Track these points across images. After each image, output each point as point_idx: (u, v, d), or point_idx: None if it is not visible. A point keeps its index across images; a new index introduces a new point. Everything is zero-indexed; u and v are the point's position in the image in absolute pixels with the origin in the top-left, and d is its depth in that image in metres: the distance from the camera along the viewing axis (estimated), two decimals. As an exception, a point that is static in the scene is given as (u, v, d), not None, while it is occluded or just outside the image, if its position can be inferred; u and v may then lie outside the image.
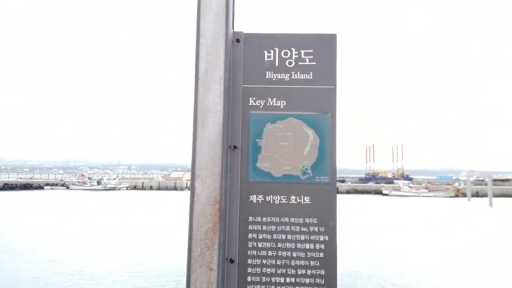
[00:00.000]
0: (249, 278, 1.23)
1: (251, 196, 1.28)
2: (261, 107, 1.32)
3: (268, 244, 1.25)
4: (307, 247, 1.25)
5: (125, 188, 66.84)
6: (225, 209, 1.25)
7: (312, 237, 1.25)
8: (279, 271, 1.24)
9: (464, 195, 58.03)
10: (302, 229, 1.26)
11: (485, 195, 51.62)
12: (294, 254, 1.24)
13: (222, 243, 1.22)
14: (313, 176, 1.29)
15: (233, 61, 1.31)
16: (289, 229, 1.26)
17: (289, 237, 1.25)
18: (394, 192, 63.91)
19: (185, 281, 1.18)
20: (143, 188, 68.54)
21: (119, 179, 76.64)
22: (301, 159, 1.29)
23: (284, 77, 1.32)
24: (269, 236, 1.26)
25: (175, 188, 66.07)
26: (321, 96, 1.31)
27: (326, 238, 1.25)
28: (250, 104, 1.32)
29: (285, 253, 1.24)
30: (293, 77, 1.32)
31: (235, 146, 1.30)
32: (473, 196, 57.17)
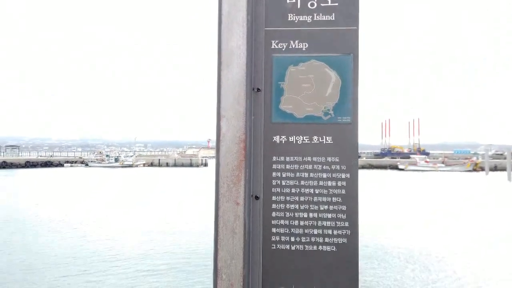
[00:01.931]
0: (273, 214, 1.29)
1: (275, 137, 1.32)
2: (283, 49, 1.33)
3: (291, 182, 1.30)
4: (329, 184, 1.29)
5: (142, 165, 68.10)
6: (249, 148, 1.29)
7: (334, 175, 1.29)
8: (302, 207, 1.29)
9: (482, 169, 57.16)
10: (324, 167, 1.30)
11: (503, 169, 50.73)
12: (317, 191, 1.29)
13: (247, 180, 1.27)
14: (335, 116, 1.31)
15: (255, 4, 1.32)
16: (312, 167, 1.30)
17: (311, 175, 1.30)
18: (410, 167, 63.33)
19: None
20: (159, 165, 69.71)
21: (136, 156, 77.98)
22: (323, 100, 1.32)
23: (306, 19, 1.33)
24: (292, 175, 1.30)
25: (190, 165, 67.01)
26: (343, 37, 1.31)
27: (348, 176, 1.29)
28: (273, 47, 1.34)
29: (307, 190, 1.29)
30: (315, 19, 1.33)
31: (259, 89, 1.33)
32: (491, 170, 56.24)
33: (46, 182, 36.83)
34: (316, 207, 1.28)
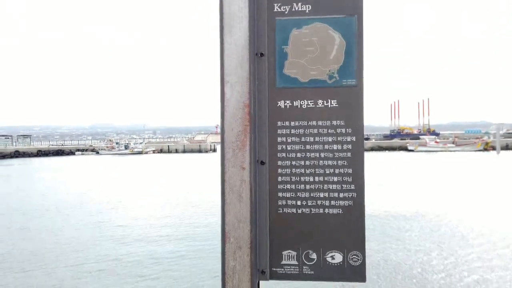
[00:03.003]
0: (279, 178, 1.29)
1: (279, 102, 1.31)
2: (286, 12, 1.31)
3: (296, 147, 1.30)
4: (335, 147, 1.28)
5: (151, 152, 68.63)
6: (254, 114, 1.29)
7: (340, 139, 1.28)
8: (308, 171, 1.29)
9: (493, 148, 56.43)
10: (329, 131, 1.29)
11: (515, 148, 49.92)
12: (322, 155, 1.28)
13: (252, 145, 1.27)
14: (340, 79, 1.30)
15: None
16: (317, 131, 1.29)
17: (317, 139, 1.29)
18: (420, 148, 62.80)
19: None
20: (169, 151, 70.19)
21: (145, 143, 78.54)
22: (328, 63, 1.30)
23: None
24: (297, 139, 1.30)
25: (199, 151, 67.36)
26: None
27: (354, 138, 1.28)
28: (275, 10, 1.31)
29: (313, 154, 1.29)
30: None
31: (262, 53, 1.31)
32: (502, 149, 55.47)
33: (71, 170, 37.38)
34: (322, 171, 1.28)
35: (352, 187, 1.27)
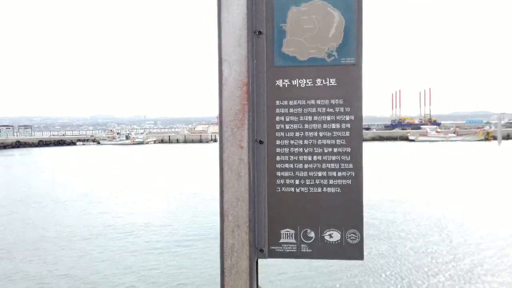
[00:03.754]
0: (277, 158, 1.29)
1: (278, 81, 1.30)
2: None
3: (295, 126, 1.29)
4: (333, 126, 1.28)
5: (152, 142, 68.66)
6: (252, 93, 1.28)
7: (338, 117, 1.28)
8: (306, 150, 1.28)
9: (494, 138, 56.32)
10: (328, 110, 1.28)
11: (517, 138, 49.82)
12: (321, 134, 1.28)
13: (251, 124, 1.26)
14: (339, 58, 1.28)
15: None
16: (315, 110, 1.28)
17: (315, 118, 1.28)
18: (421, 138, 62.70)
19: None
20: (169, 142, 70.20)
21: (146, 134, 78.56)
22: (327, 41, 1.29)
23: None
24: (296, 118, 1.29)
25: (200, 141, 67.37)
26: None
27: (352, 117, 1.27)
28: None
29: (311, 133, 1.28)
30: None
31: (260, 32, 1.30)
32: (503, 139, 55.38)
33: (72, 160, 37.50)
34: (320, 150, 1.28)
35: (350, 166, 1.27)
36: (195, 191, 17.83)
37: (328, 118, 1.28)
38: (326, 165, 1.27)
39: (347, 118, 1.28)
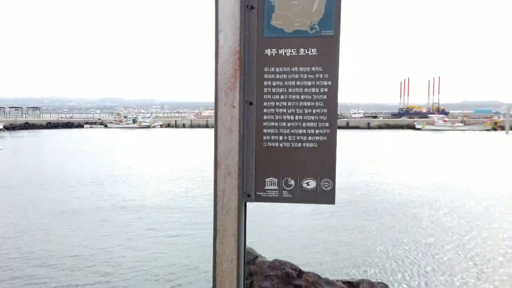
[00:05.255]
0: (265, 117, 1.49)
1: (266, 50, 1.49)
2: None
3: (280, 90, 1.49)
4: (313, 91, 1.47)
5: (159, 126, 69.09)
6: (244, 59, 1.47)
7: (318, 83, 1.47)
8: (289, 111, 1.48)
9: (502, 128, 55.88)
10: (309, 76, 1.47)
11: (525, 128, 49.38)
12: (302, 97, 1.48)
13: (242, 87, 1.46)
14: (320, 30, 1.47)
15: None
16: (298, 76, 1.48)
17: (298, 83, 1.48)
18: (427, 127, 62.32)
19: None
20: (176, 126, 70.59)
21: (153, 118, 78.93)
22: (310, 15, 1.47)
23: None
24: (281, 83, 1.48)
25: (206, 126, 67.65)
26: None
27: (329, 83, 1.46)
28: None
29: (294, 96, 1.48)
30: None
31: (252, 6, 1.49)
32: (511, 129, 54.85)
33: (79, 142, 38.08)
34: (301, 111, 1.48)
35: (327, 124, 1.47)
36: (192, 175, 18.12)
37: (309, 83, 1.47)
38: (306, 124, 1.48)
39: (325, 83, 1.47)
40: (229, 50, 1.45)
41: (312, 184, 1.48)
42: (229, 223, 1.44)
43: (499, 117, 68.30)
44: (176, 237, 9.61)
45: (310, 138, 1.48)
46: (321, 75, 1.47)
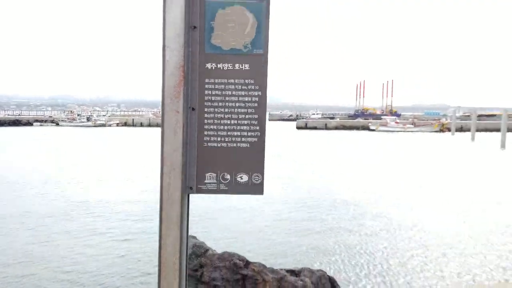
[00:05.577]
0: (205, 121, 1.75)
1: (207, 64, 1.75)
2: None
3: (219, 98, 1.75)
4: (246, 99, 1.75)
5: (115, 125, 67.08)
6: (187, 72, 1.72)
7: (250, 93, 1.75)
8: (226, 116, 1.75)
9: (449, 129, 59.78)
10: (243, 87, 1.75)
11: (469, 130, 53.19)
12: (237, 105, 1.75)
13: (185, 95, 1.71)
14: (252, 49, 1.75)
15: None
16: (234, 87, 1.75)
17: (233, 93, 1.75)
18: (381, 128, 65.41)
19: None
20: (133, 125, 68.88)
21: (109, 116, 76.48)
22: (244, 36, 1.75)
23: None
24: (219, 93, 1.75)
25: (165, 125, 66.38)
26: None
27: (260, 93, 1.75)
28: None
29: (231, 104, 1.75)
30: None
31: (195, 26, 1.74)
32: (457, 131, 58.82)
33: (27, 141, 36.10)
34: (236, 116, 1.75)
35: (257, 128, 1.75)
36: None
37: (243, 93, 1.75)
38: (240, 127, 1.75)
39: (256, 93, 1.76)
40: (174, 64, 1.70)
41: (244, 178, 1.76)
42: (173, 212, 1.69)
43: (446, 119, 72.94)
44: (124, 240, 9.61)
45: (243, 139, 1.75)
46: (252, 87, 1.75)
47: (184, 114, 1.71)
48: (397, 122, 68.90)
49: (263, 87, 1.76)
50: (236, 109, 1.76)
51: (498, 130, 44.82)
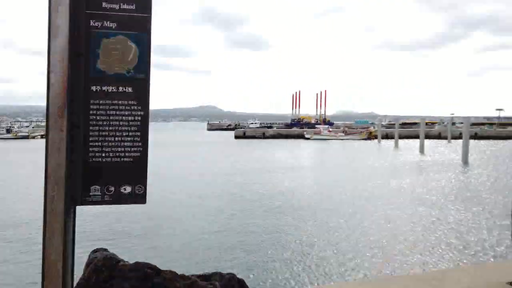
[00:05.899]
0: (90, 138, 1.91)
1: (92, 87, 1.92)
2: (99, 27, 1.92)
3: (104, 117, 1.93)
4: (130, 118, 1.95)
5: (39, 137, 62.44)
6: (72, 94, 1.88)
7: (133, 113, 1.95)
8: (111, 134, 1.93)
9: (376, 137, 64.29)
10: (126, 107, 1.95)
11: (393, 137, 57.62)
12: (121, 123, 1.94)
13: (70, 114, 1.86)
14: (135, 74, 1.96)
15: None
16: (118, 108, 1.94)
17: (118, 113, 1.94)
18: (315, 136, 68.44)
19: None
20: (62, 136, 64.45)
21: (33, 127, 70.98)
22: (127, 63, 1.95)
23: (115, 7, 1.93)
24: (104, 112, 1.93)
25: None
26: (140, 21, 1.95)
27: (142, 113, 1.97)
28: (92, 25, 1.91)
29: (115, 122, 1.94)
30: (121, 7, 1.94)
31: (81, 53, 1.91)
32: (383, 138, 63.42)
33: None
34: (120, 133, 1.94)
35: (140, 144, 1.96)
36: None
37: (126, 113, 1.95)
38: (124, 144, 1.95)
39: (139, 113, 1.97)
40: (59, 86, 1.85)
41: (128, 189, 1.96)
42: (57, 224, 1.82)
43: (374, 128, 78.24)
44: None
45: (127, 154, 1.95)
46: (135, 107, 1.96)
47: (68, 133, 1.86)
48: (329, 131, 72.57)
49: (145, 108, 1.98)
50: (120, 127, 1.95)
51: (418, 137, 49.18)
